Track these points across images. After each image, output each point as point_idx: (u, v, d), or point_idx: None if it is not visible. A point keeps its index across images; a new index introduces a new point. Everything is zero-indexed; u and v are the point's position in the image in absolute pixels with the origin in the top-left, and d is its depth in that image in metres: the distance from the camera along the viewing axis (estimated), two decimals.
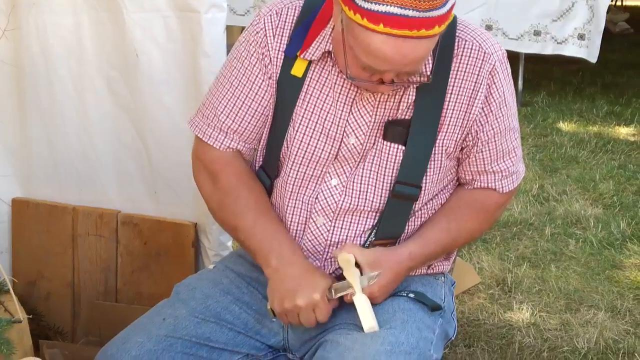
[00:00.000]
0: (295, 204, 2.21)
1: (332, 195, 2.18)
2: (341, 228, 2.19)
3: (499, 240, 4.31)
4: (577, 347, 3.38)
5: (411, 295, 2.19)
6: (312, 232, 2.20)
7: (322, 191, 2.19)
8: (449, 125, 2.13)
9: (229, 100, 2.21)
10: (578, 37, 6.38)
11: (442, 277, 2.35)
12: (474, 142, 2.17)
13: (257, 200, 2.22)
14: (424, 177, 2.15)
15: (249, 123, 2.21)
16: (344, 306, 2.15)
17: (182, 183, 2.78)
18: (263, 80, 2.18)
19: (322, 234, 2.20)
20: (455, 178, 2.27)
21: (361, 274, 2.11)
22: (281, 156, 2.21)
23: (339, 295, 2.11)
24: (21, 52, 2.77)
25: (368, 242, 2.19)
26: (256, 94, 2.19)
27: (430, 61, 2.05)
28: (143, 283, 2.92)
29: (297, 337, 2.21)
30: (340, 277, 2.14)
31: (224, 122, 2.21)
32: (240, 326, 2.21)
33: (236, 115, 2.20)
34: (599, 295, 3.81)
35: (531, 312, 3.63)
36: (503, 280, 3.89)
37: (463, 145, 2.18)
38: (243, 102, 2.20)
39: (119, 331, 2.20)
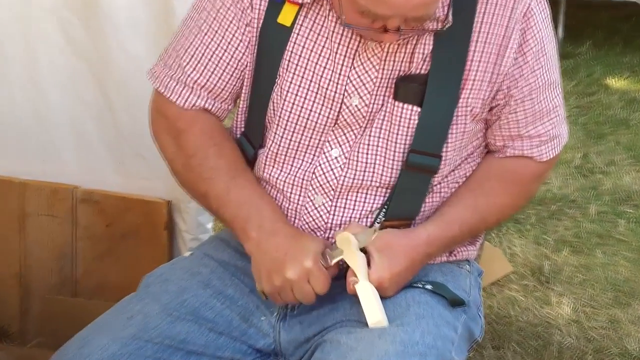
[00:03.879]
0: (287, 179, 2.20)
1: (332, 170, 2.17)
2: (344, 208, 2.18)
3: (534, 220, 4.31)
4: (628, 349, 3.38)
5: (428, 286, 2.18)
6: (309, 213, 2.19)
7: (321, 164, 2.18)
8: (474, 80, 2.11)
9: (196, 49, 2.20)
10: None
11: (467, 265, 2.35)
12: (506, 100, 2.16)
13: (229, 160, 2.22)
14: (445, 145, 2.14)
15: (219, 78, 2.21)
16: (347, 299, 2.15)
17: (154, 151, 2.75)
18: (238, 28, 2.17)
19: (321, 216, 2.19)
20: (483, 145, 2.27)
21: (367, 261, 2.10)
22: (266, 120, 2.21)
23: (335, 260, 2.11)
24: None
25: (377, 224, 2.17)
26: (229, 43, 2.18)
27: (448, 2, 2.03)
28: (106, 273, 2.93)
29: (291, 339, 2.20)
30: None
31: (189, 76, 2.22)
32: (222, 325, 2.20)
33: (205, 67, 2.20)
34: None
35: (573, 307, 3.64)
36: (539, 268, 3.90)
37: (492, 105, 2.17)
38: (213, 53, 2.19)
39: (77, 331, 2.19)
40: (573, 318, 3.57)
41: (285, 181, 2.20)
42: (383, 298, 2.09)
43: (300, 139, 2.17)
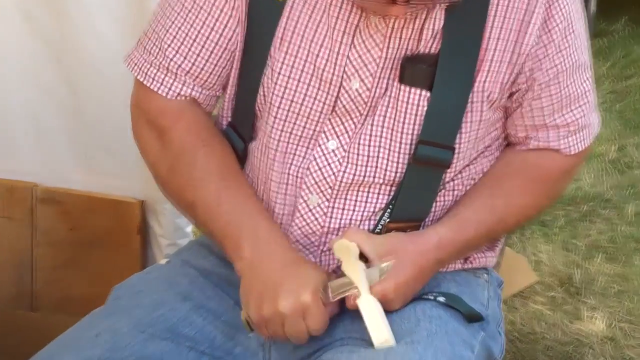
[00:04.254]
0: (278, 177, 2.20)
1: (329, 164, 2.17)
2: (343, 209, 2.18)
3: (563, 223, 4.32)
4: None
5: (441, 298, 2.17)
6: (302, 216, 2.20)
7: (316, 158, 2.18)
8: (491, 61, 2.11)
9: (179, 29, 2.20)
10: None
11: (485, 274, 2.36)
12: (529, 85, 2.16)
13: (220, 163, 2.21)
14: (458, 135, 2.14)
15: (206, 61, 2.21)
16: (347, 313, 2.14)
17: (125, 145, 2.76)
18: (227, 2, 2.17)
19: (316, 219, 2.19)
20: (502, 136, 2.27)
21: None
22: (257, 109, 2.21)
23: (338, 296, 2.09)
24: None
25: (380, 226, 2.17)
26: (217, 20, 2.18)
27: None
28: (70, 284, 2.94)
29: (283, 358, 2.20)
30: (342, 275, 2.13)
31: (172, 60, 2.21)
32: (204, 344, 2.19)
33: (189, 50, 2.20)
34: None
35: (607, 323, 3.64)
36: (569, 278, 3.90)
37: (513, 90, 2.17)
38: (199, 32, 2.19)
39: (37, 350, 2.18)
40: (608, 335, 3.57)
41: (276, 181, 2.20)
42: (388, 312, 2.08)
43: (292, 128, 2.17)
